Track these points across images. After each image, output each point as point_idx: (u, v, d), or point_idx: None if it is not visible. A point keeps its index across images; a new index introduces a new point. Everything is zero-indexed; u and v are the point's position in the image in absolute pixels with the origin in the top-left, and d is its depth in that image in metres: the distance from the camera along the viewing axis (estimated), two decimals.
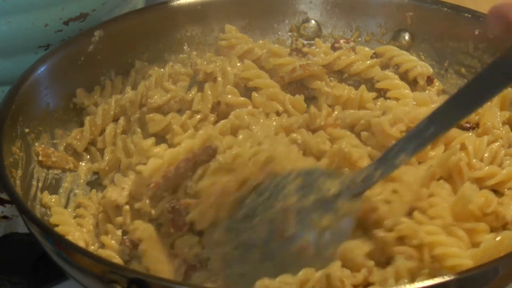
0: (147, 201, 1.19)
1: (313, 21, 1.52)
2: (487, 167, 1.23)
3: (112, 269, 1.00)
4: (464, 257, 1.08)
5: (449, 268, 1.07)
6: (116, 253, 1.17)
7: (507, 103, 1.35)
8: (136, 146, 1.27)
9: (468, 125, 1.30)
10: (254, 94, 1.35)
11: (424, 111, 1.26)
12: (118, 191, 1.22)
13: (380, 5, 1.50)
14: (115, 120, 1.37)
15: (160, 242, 1.16)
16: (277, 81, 1.37)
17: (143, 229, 1.16)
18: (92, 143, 1.36)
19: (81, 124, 1.36)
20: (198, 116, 1.32)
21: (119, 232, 1.21)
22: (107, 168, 1.31)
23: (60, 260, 1.07)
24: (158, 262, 1.14)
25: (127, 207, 1.21)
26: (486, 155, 1.25)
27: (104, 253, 1.16)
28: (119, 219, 1.21)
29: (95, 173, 1.34)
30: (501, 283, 1.04)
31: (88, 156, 1.35)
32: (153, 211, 1.19)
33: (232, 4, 1.49)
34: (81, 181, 1.32)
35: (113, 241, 1.19)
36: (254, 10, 1.50)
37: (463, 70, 1.44)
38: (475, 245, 1.13)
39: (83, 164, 1.34)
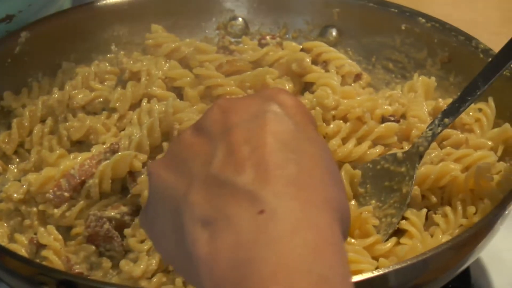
0: (49, 203, 1.19)
1: (240, 19, 1.53)
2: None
3: (40, 270, 0.99)
4: (363, 262, 1.08)
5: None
6: (24, 249, 1.16)
7: (431, 92, 1.36)
8: (43, 159, 1.26)
9: (393, 118, 1.28)
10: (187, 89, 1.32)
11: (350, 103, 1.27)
12: (17, 188, 1.21)
13: (307, 1, 1.51)
14: (43, 121, 1.35)
15: (63, 251, 1.15)
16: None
17: (53, 239, 1.15)
18: (21, 144, 1.34)
19: (9, 127, 1.35)
20: (116, 115, 1.31)
21: (31, 230, 1.20)
22: (33, 168, 1.29)
23: None
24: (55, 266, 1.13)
25: (34, 209, 1.20)
26: None
27: (11, 246, 1.15)
28: (27, 221, 1.20)
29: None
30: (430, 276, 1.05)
31: (18, 159, 1.34)
32: (56, 210, 1.18)
33: (159, 4, 1.49)
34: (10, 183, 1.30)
35: (23, 238, 1.18)
36: (181, 9, 1.50)
37: (390, 65, 1.46)
38: (375, 258, 1.12)
39: (13, 167, 1.33)
